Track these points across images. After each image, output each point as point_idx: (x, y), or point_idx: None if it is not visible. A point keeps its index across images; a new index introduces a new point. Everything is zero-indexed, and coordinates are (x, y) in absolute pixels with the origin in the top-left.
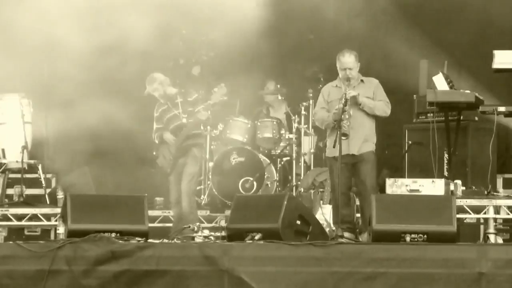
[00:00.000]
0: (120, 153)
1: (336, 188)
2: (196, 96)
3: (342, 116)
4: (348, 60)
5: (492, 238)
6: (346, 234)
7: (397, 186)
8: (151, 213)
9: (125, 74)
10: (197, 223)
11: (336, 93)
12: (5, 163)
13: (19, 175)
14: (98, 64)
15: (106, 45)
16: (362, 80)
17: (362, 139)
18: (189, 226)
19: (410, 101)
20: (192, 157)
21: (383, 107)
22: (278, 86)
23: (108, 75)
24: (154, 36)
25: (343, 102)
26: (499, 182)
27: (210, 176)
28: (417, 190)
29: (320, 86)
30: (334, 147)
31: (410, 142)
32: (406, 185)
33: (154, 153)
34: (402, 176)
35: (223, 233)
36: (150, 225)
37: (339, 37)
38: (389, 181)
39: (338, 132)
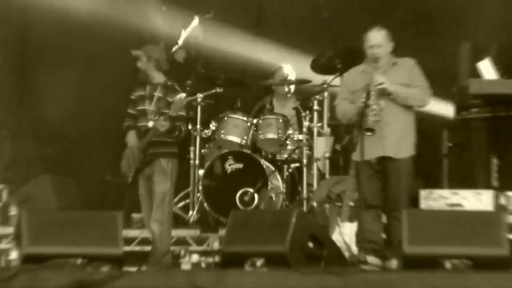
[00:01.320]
0: (89, 159)
1: (362, 199)
2: (180, 96)
3: (367, 111)
4: (375, 35)
5: None
6: (370, 259)
7: (433, 199)
8: (127, 233)
9: (95, 58)
10: (184, 247)
11: (363, 79)
12: None
13: None
14: (63, 45)
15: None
16: (394, 63)
17: (398, 138)
18: (173, 251)
19: (449, 93)
20: (160, 171)
21: (420, 95)
22: (287, 74)
23: (75, 58)
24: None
25: (365, 95)
26: None
27: (200, 187)
28: (459, 204)
29: (338, 74)
30: (356, 147)
31: (449, 144)
32: (445, 198)
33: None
34: (440, 187)
35: (217, 258)
36: (126, 248)
37: (363, 13)
38: (423, 193)
39: (360, 128)
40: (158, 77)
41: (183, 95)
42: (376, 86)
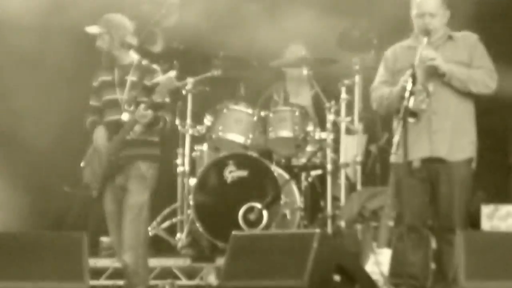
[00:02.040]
0: (43, 166)
1: (399, 218)
2: (168, 76)
3: (411, 95)
4: (428, 1)
5: None
6: None
7: (499, 218)
8: (94, 262)
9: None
10: (170, 280)
11: (408, 56)
12: None
13: None
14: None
15: None
16: (450, 37)
17: (452, 133)
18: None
19: None
20: (137, 178)
21: (484, 79)
22: (303, 53)
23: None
24: None
25: (408, 74)
26: None
27: (191, 202)
28: None
29: (373, 52)
30: (396, 146)
31: None
32: None
33: (82, 163)
34: (508, 202)
35: None
36: (93, 282)
37: None
38: (486, 210)
39: (401, 118)
40: (128, 57)
41: (172, 73)
42: (425, 63)
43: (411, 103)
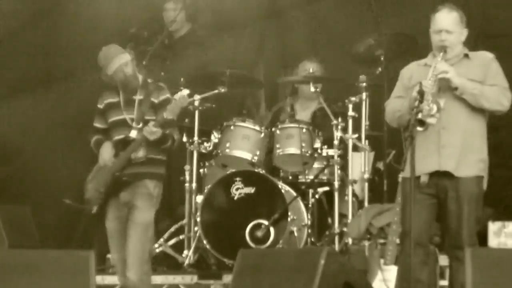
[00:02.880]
0: (47, 181)
1: (406, 235)
2: (166, 96)
3: (420, 105)
4: (445, 18)
5: None
6: None
7: (507, 235)
8: (102, 280)
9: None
10: None
11: (423, 74)
12: None
13: None
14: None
15: None
16: (466, 55)
17: (462, 149)
18: None
19: None
20: (145, 196)
21: (497, 96)
22: (313, 69)
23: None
24: None
25: (420, 85)
26: None
27: (198, 219)
28: None
29: (379, 69)
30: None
31: None
32: None
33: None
34: None
35: None
36: None
37: None
38: (493, 226)
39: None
40: (136, 76)
41: (186, 91)
42: (437, 75)
43: (422, 112)
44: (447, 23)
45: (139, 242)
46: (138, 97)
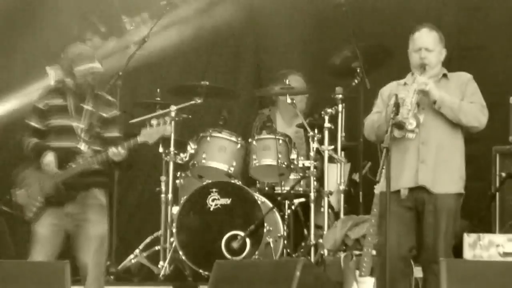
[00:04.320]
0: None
1: (384, 247)
2: (115, 113)
3: (400, 111)
4: (425, 37)
5: None
6: None
7: (482, 247)
8: None
9: None
10: None
11: (403, 92)
12: None
13: None
14: None
15: None
16: (445, 75)
17: (439, 165)
18: None
19: (503, 106)
20: (97, 208)
21: (475, 112)
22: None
23: None
24: None
25: (396, 96)
26: None
27: (174, 230)
28: None
29: (355, 81)
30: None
31: (503, 174)
32: (497, 246)
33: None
34: (491, 231)
35: None
36: None
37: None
38: (469, 239)
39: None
40: (83, 84)
41: (170, 126)
42: (416, 87)
43: (400, 115)
44: (427, 42)
45: (96, 255)
46: (87, 107)
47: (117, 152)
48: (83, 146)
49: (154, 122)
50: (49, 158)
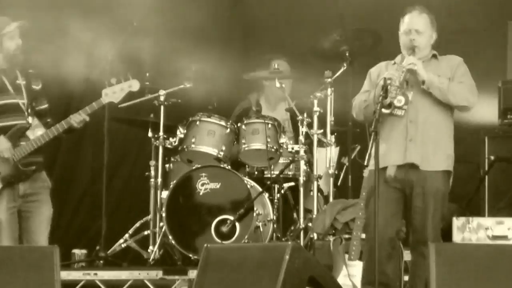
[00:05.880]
0: None
1: (371, 227)
2: (42, 84)
3: (388, 90)
4: (416, 18)
5: None
6: None
7: (471, 230)
8: (67, 275)
9: None
10: None
11: (392, 70)
12: None
13: None
14: None
15: None
16: (435, 56)
17: (428, 144)
18: None
19: (492, 91)
20: (44, 188)
21: (464, 92)
22: (276, 66)
23: None
24: None
25: (386, 74)
26: None
27: (163, 214)
28: (505, 237)
29: (345, 65)
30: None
31: (492, 157)
32: (486, 228)
33: None
34: (480, 214)
35: None
36: None
37: None
38: (457, 222)
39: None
40: (19, 55)
41: (137, 84)
42: (405, 66)
43: (389, 96)
44: (418, 24)
45: (46, 235)
46: (21, 81)
47: (82, 119)
48: (31, 121)
49: (113, 80)
50: (4, 146)
